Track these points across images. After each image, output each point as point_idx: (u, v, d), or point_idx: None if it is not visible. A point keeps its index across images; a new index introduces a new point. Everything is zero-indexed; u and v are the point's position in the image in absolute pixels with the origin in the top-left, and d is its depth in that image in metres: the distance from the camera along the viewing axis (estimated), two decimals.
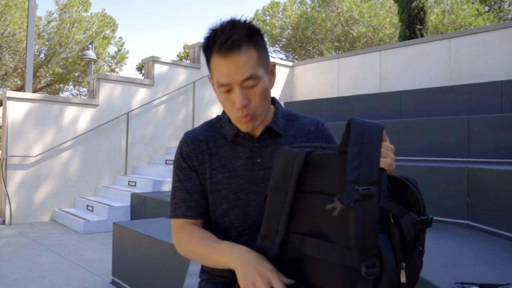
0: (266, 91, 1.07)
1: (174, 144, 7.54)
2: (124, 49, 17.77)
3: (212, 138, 1.17)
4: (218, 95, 1.08)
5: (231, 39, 0.99)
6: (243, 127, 1.09)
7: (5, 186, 5.96)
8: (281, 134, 1.16)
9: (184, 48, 22.06)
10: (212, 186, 1.15)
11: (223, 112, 1.20)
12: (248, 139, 1.15)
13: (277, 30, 16.52)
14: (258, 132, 1.15)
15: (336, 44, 14.75)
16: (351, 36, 13.75)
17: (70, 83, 16.98)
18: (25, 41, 11.98)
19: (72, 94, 17.89)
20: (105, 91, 6.88)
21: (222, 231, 1.15)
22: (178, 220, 1.16)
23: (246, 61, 1.01)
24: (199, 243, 1.08)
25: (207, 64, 1.09)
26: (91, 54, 11.25)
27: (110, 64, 17.50)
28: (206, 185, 1.15)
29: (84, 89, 17.46)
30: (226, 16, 1.06)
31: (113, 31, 16.77)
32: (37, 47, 14.57)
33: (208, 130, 1.20)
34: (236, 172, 1.14)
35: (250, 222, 1.15)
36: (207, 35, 1.05)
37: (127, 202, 5.94)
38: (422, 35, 8.37)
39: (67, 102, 6.60)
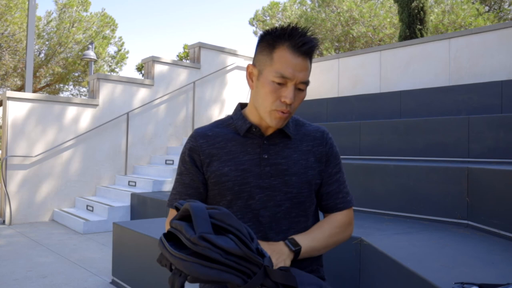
0: (303, 99, 1.17)
1: (174, 144, 7.54)
2: (124, 49, 17.79)
3: (221, 133, 1.23)
4: (267, 85, 1.11)
5: (310, 44, 1.10)
6: (274, 121, 1.14)
7: (5, 186, 5.96)
8: (291, 136, 1.23)
9: (184, 48, 22.05)
10: (219, 178, 1.19)
11: (235, 111, 1.26)
12: (258, 136, 1.21)
13: None
14: (269, 131, 1.22)
15: (336, 44, 14.74)
16: (351, 36, 13.75)
17: (70, 83, 16.98)
18: (25, 41, 11.98)
19: (72, 94, 17.90)
20: (105, 91, 6.89)
21: None
22: (171, 211, 1.25)
23: (308, 68, 1.12)
24: None
25: (266, 51, 1.13)
26: (91, 54, 11.25)
27: (110, 64, 17.51)
28: (211, 178, 1.20)
29: (84, 89, 17.47)
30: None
31: (113, 31, 16.77)
32: (37, 47, 14.58)
33: (217, 127, 1.25)
34: (242, 165, 1.19)
35: (251, 215, 1.20)
36: (281, 26, 1.12)
37: (127, 202, 5.94)
38: (422, 35, 8.36)
39: (67, 102, 6.60)
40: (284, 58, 1.09)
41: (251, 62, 1.22)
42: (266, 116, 1.14)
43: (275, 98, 1.11)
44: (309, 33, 1.12)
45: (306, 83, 1.12)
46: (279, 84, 1.10)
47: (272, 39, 1.12)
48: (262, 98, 1.13)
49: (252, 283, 0.88)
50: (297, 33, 1.10)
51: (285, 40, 1.10)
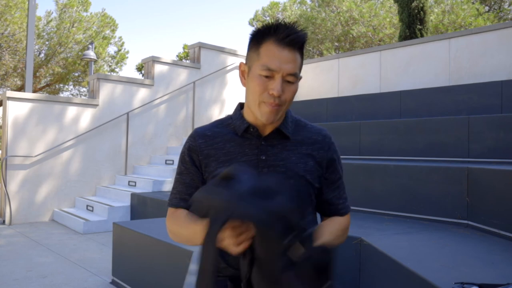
0: (295, 92, 1.16)
1: (174, 144, 7.54)
2: (124, 49, 17.79)
3: (219, 134, 1.23)
4: (254, 79, 1.12)
5: (294, 35, 1.10)
6: (265, 115, 1.13)
7: (5, 186, 5.96)
8: (289, 137, 1.21)
9: (184, 48, 22.05)
10: None
11: (235, 111, 1.26)
12: (256, 136, 1.20)
13: None
14: (267, 131, 1.20)
15: (336, 44, 14.74)
16: (351, 36, 13.75)
17: (70, 83, 16.98)
18: (25, 41, 11.98)
19: (72, 94, 17.90)
20: (105, 91, 6.89)
21: None
22: (171, 209, 1.25)
23: (295, 60, 1.12)
24: (183, 225, 1.15)
25: (253, 48, 1.15)
26: (91, 54, 11.25)
27: (110, 64, 17.51)
28: (210, 178, 1.20)
29: (84, 89, 17.46)
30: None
31: (113, 31, 16.77)
32: (37, 47, 14.58)
33: (217, 127, 1.25)
34: None
35: None
36: (268, 23, 1.13)
37: (127, 202, 5.94)
38: (422, 35, 8.36)
39: (67, 102, 6.60)
40: (270, 51, 1.10)
41: None
42: (256, 111, 1.14)
43: (263, 90, 1.11)
44: (296, 27, 1.13)
45: (295, 75, 1.12)
46: (266, 77, 1.10)
47: (259, 35, 1.14)
48: (251, 93, 1.14)
49: (291, 237, 0.84)
50: (282, 27, 1.11)
51: (271, 35, 1.11)
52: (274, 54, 1.10)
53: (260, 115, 1.13)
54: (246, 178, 0.88)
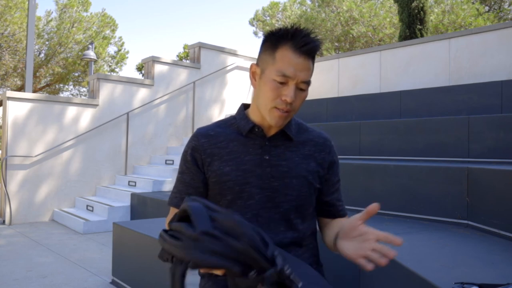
0: (305, 99, 1.18)
1: (174, 144, 7.54)
2: (124, 49, 17.79)
3: (223, 133, 1.24)
4: (268, 83, 1.13)
5: (312, 44, 1.12)
6: (274, 119, 1.15)
7: (5, 186, 5.96)
8: (293, 139, 1.24)
9: (184, 48, 22.05)
10: (220, 178, 1.20)
11: (238, 111, 1.27)
12: (261, 136, 1.22)
13: None
14: (272, 132, 1.22)
15: (336, 44, 14.74)
16: (351, 36, 13.74)
17: (70, 83, 16.98)
18: (25, 41, 11.98)
19: (72, 94, 17.90)
20: (105, 91, 6.89)
21: None
22: (172, 209, 1.26)
23: (309, 68, 1.13)
24: None
25: (268, 51, 1.15)
26: (91, 54, 11.25)
27: (110, 64, 17.51)
28: (212, 177, 1.21)
29: (84, 89, 17.47)
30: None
31: (113, 31, 16.77)
32: (37, 47, 14.57)
33: (219, 127, 1.26)
34: (244, 165, 1.20)
35: (250, 215, 1.21)
36: (286, 27, 1.14)
37: (127, 202, 5.94)
38: (422, 35, 8.36)
39: (67, 102, 6.61)
40: (286, 58, 1.11)
41: (251, 62, 1.23)
42: (266, 114, 1.15)
43: (276, 96, 1.12)
44: (312, 35, 1.14)
45: (308, 83, 1.14)
46: (280, 83, 1.11)
47: (275, 39, 1.14)
48: (264, 96, 1.15)
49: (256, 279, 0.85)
50: (300, 33, 1.12)
51: (287, 40, 1.12)
52: (290, 61, 1.10)
53: (270, 120, 1.15)
54: (200, 219, 0.89)
